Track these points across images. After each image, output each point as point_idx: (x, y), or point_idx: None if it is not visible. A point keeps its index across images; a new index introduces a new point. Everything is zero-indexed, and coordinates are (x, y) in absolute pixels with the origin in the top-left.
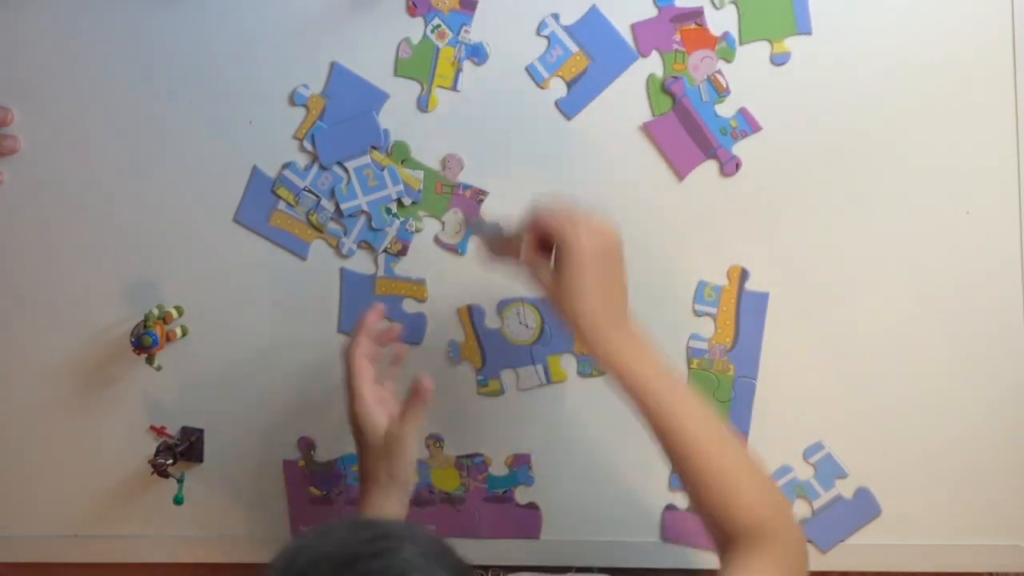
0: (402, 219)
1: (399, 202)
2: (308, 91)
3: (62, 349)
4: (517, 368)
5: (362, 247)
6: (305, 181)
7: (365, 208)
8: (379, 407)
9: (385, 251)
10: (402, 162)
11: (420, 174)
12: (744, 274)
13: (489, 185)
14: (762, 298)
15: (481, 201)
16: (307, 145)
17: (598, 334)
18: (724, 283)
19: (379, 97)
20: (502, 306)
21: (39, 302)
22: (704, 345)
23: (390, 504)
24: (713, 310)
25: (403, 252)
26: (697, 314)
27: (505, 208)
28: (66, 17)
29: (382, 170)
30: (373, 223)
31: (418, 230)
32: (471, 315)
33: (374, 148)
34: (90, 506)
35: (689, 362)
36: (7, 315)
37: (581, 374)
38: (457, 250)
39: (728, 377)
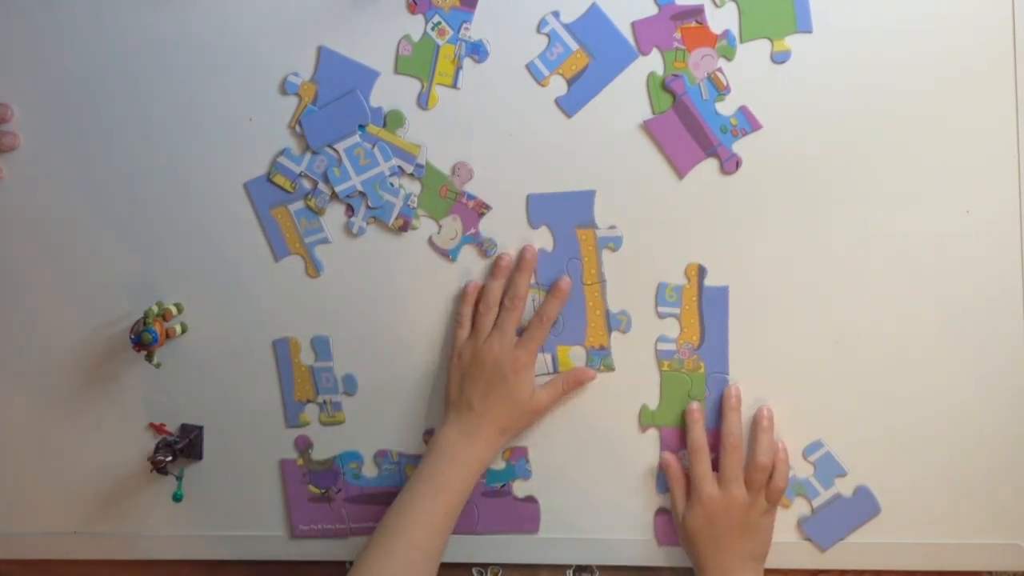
0: (406, 194)
1: (401, 170)
2: (299, 79)
3: (61, 346)
4: None
5: (370, 223)
6: (300, 166)
7: (360, 188)
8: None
9: (390, 228)
10: (397, 131)
11: (420, 141)
12: (701, 270)
13: (492, 194)
14: (721, 291)
15: (482, 215)
16: (299, 130)
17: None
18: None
19: (369, 76)
20: None
21: (38, 299)
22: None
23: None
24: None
25: (404, 228)
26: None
27: (502, 223)
28: (64, 14)
29: (372, 147)
30: (370, 202)
31: (414, 228)
32: None
33: (363, 126)
34: (89, 503)
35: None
36: (6, 312)
37: (589, 367)
38: (448, 256)
39: (700, 375)
